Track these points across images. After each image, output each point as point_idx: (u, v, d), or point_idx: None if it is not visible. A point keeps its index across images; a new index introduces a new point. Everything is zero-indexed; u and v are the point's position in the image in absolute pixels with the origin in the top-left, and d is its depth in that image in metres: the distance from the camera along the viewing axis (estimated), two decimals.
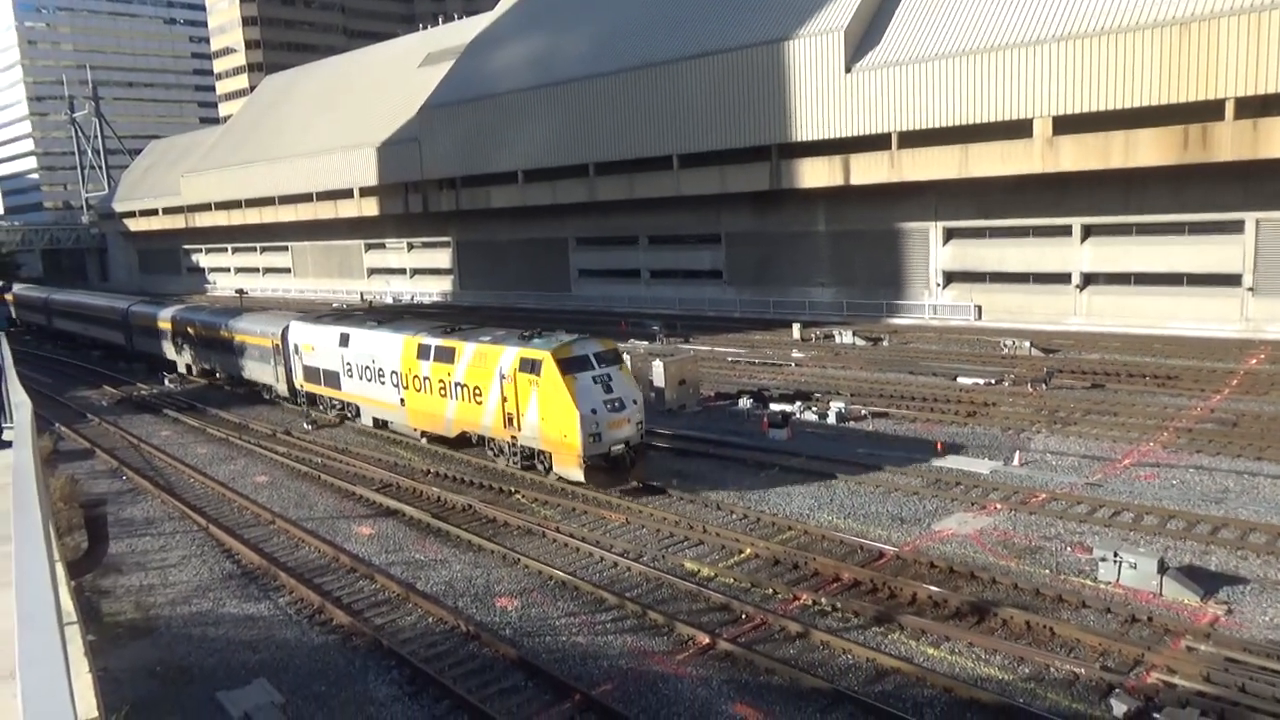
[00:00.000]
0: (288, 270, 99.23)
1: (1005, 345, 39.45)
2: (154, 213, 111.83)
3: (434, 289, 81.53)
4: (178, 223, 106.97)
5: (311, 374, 32.10)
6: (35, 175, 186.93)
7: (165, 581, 17.83)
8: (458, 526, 20.19)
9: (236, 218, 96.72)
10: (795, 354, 41.04)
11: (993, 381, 32.49)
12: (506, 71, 69.54)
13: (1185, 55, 37.96)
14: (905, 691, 12.48)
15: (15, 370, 17.61)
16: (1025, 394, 30.33)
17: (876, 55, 48.16)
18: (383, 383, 27.99)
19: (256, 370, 36.61)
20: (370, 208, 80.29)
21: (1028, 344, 38.73)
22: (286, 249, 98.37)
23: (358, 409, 30.21)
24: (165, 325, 45.20)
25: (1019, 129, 43.08)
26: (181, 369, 44.49)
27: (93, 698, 5.34)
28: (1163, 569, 14.95)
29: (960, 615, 14.59)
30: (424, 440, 27.58)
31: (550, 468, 22.41)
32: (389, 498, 22.74)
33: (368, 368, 28.57)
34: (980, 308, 48.70)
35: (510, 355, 22.58)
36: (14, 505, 6.49)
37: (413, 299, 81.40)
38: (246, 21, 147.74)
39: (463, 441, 26.30)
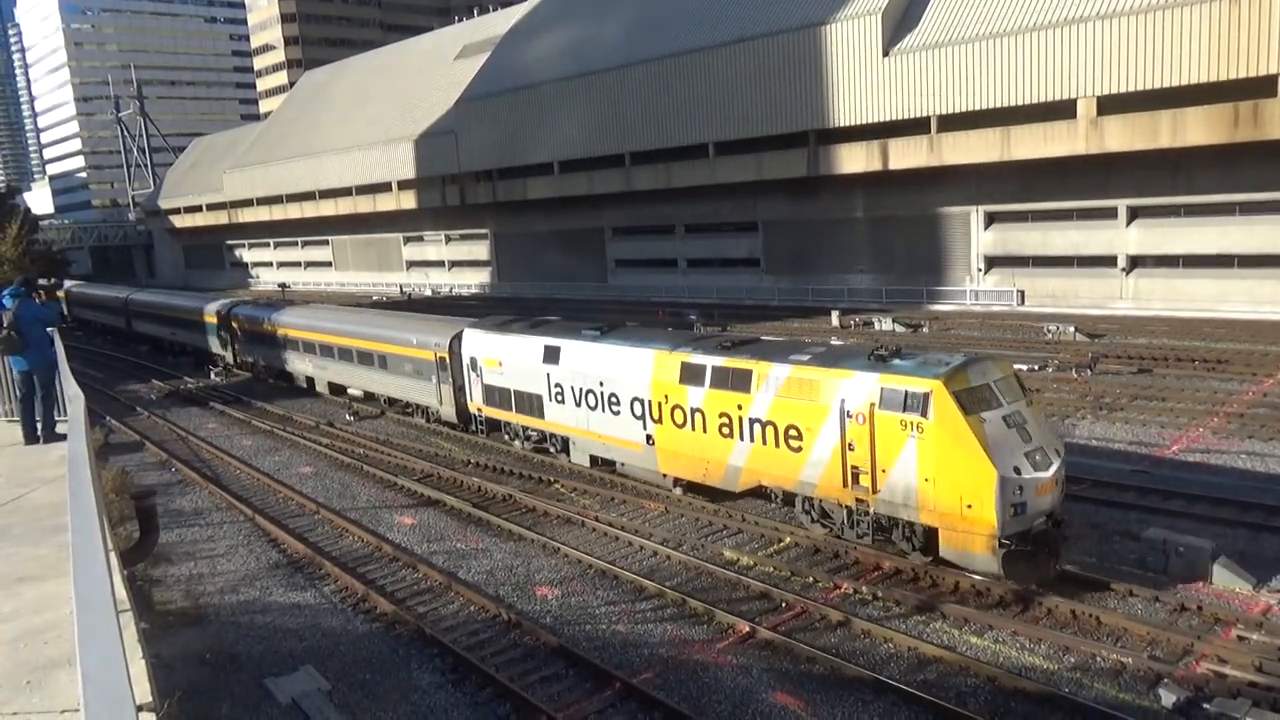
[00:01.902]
0: (328, 264, 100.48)
1: (1049, 330, 38.81)
2: (198, 209, 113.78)
3: (472, 281, 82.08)
4: (221, 219, 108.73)
5: (496, 395, 25.51)
6: (83, 174, 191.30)
7: (214, 571, 18.19)
8: (498, 516, 20.35)
9: (278, 213, 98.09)
10: (834, 342, 40.69)
11: (1036, 368, 31.99)
12: (542, 62, 69.62)
13: (1234, 30, 36.93)
14: (948, 680, 12.37)
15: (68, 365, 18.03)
16: (1070, 380, 29.83)
17: (915, 38, 47.48)
18: (615, 412, 21.18)
19: (408, 388, 30.22)
20: (408, 201, 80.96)
21: (1072, 329, 38.06)
22: (327, 243, 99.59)
23: (566, 442, 23.53)
24: (282, 331, 38.08)
25: (1062, 110, 42.24)
26: (308, 385, 37.70)
27: (146, 683, 5.46)
28: (1214, 556, 14.65)
29: (1004, 604, 14.42)
30: (677, 490, 20.59)
31: (924, 546, 15.49)
32: (430, 488, 22.98)
33: (590, 392, 21.81)
34: (1023, 292, 47.94)
35: (863, 383, 15.62)
36: (70, 495, 6.66)
37: (451, 291, 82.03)
38: (285, 18, 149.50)
39: (719, 494, 19.78)
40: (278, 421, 32.96)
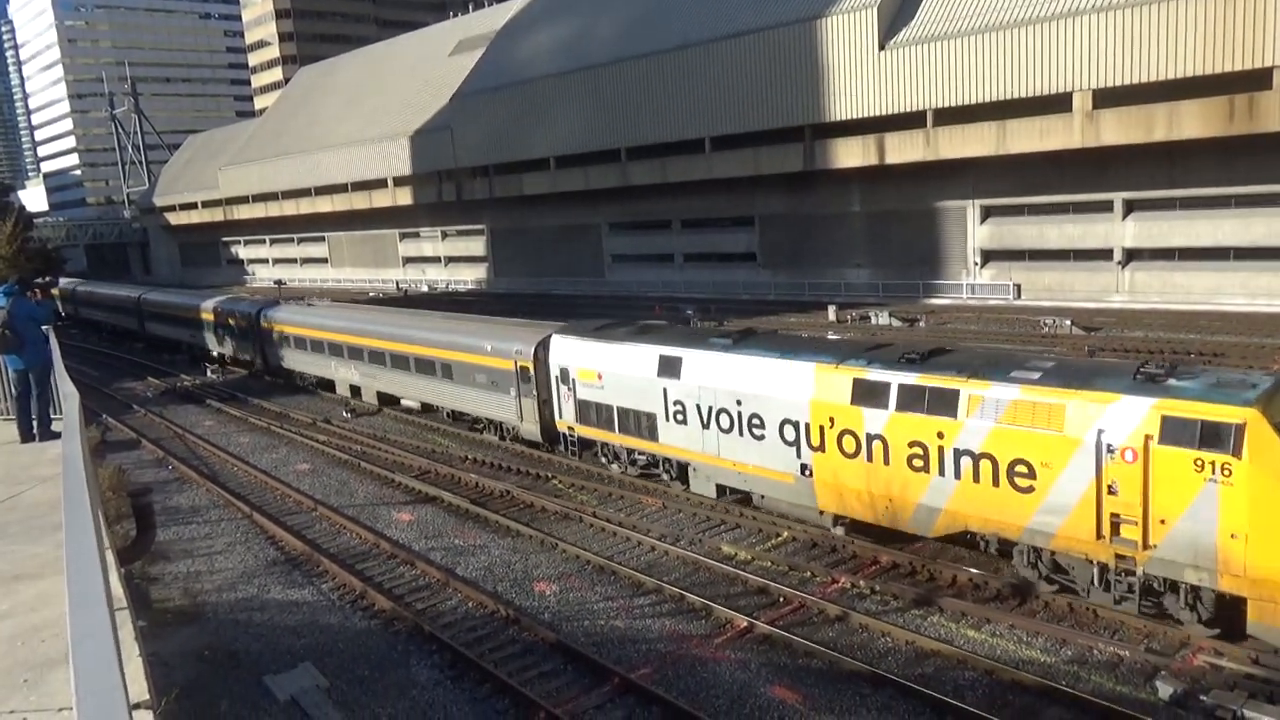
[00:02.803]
0: (324, 260, 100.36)
1: (1045, 324, 38.85)
2: (193, 206, 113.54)
3: (468, 277, 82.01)
4: (216, 215, 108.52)
5: (592, 412, 22.06)
6: (78, 171, 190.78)
7: (211, 568, 18.17)
8: (496, 512, 20.34)
9: (274, 209, 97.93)
10: (831, 336, 40.74)
11: None
12: (537, 57, 69.51)
13: (1229, 23, 36.94)
14: (946, 674, 12.40)
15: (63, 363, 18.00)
16: None
17: (910, 31, 47.44)
18: (757, 436, 17.79)
19: (479, 402, 26.55)
20: (404, 197, 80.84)
21: (1068, 322, 38.11)
22: (323, 239, 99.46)
23: (684, 468, 20.16)
24: (322, 335, 34.72)
25: (1058, 103, 42.24)
26: (353, 395, 34.17)
27: (144, 680, 5.46)
28: None
29: (1001, 598, 14.45)
30: (837, 530, 17.14)
31: (1217, 617, 12.48)
32: (428, 484, 22.96)
33: (723, 411, 18.43)
34: (1019, 286, 47.99)
35: (1131, 410, 12.60)
36: (64, 493, 6.65)
37: (448, 287, 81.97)
38: (280, 14, 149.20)
39: (888, 534, 16.45)
40: (275, 419, 32.92)
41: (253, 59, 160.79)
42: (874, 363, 16.03)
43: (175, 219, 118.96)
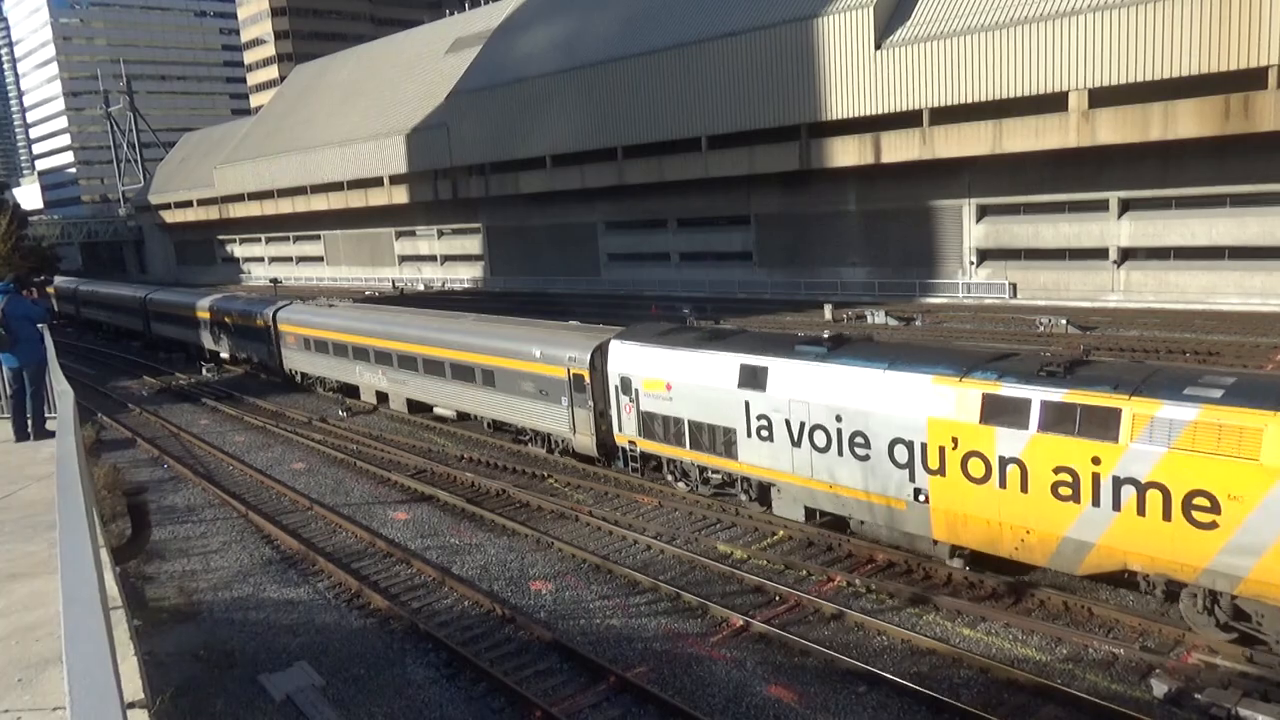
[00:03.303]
0: (320, 259, 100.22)
1: (1041, 323, 38.94)
2: (189, 204, 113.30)
3: (464, 275, 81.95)
4: (212, 214, 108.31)
5: (659, 426, 20.10)
6: (73, 169, 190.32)
7: (207, 567, 18.15)
8: (492, 511, 20.34)
9: (269, 208, 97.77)
10: (825, 334, 40.73)
11: None
12: (534, 56, 69.46)
13: (1225, 23, 37.00)
14: (941, 672, 12.42)
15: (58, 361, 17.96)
16: None
17: (906, 31, 47.48)
18: (860, 455, 15.91)
19: (525, 411, 24.48)
20: (400, 195, 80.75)
21: (1064, 321, 38.19)
22: (319, 238, 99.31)
23: (767, 489, 18.32)
24: (346, 337, 32.59)
25: (1053, 103, 42.30)
26: (379, 401, 32.27)
27: (139, 680, 5.45)
28: None
29: (996, 596, 14.48)
30: (955, 563, 15.34)
31: None
32: (423, 483, 22.95)
33: (819, 428, 16.55)
34: (1015, 285, 48.06)
35: None
36: (59, 492, 6.63)
37: (444, 285, 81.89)
38: (275, 12, 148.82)
39: (1008, 566, 14.98)
40: (270, 417, 32.87)
41: (248, 57, 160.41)
42: (1007, 376, 14.07)
43: (170, 217, 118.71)
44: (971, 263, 49.80)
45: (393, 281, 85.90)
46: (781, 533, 17.80)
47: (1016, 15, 43.17)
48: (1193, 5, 37.63)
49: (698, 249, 63.37)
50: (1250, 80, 36.92)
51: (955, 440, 14.48)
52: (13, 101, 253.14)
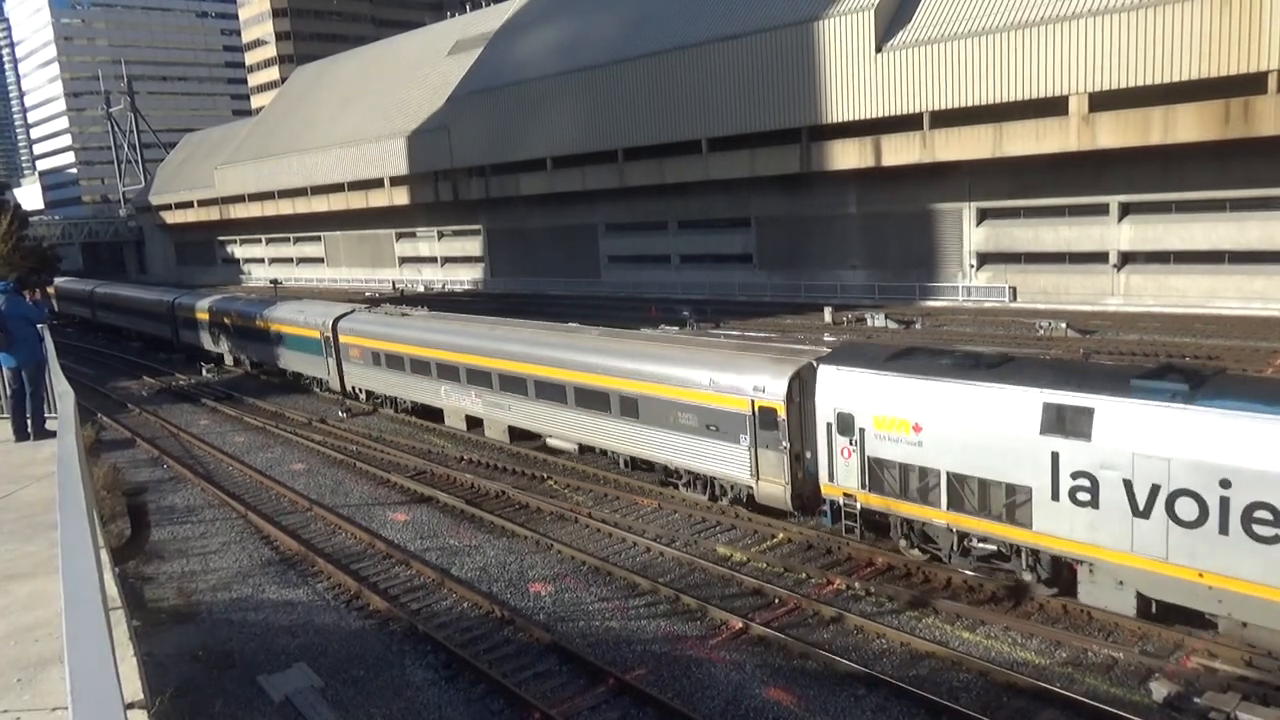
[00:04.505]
0: (321, 260, 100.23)
1: (1041, 327, 38.94)
2: (189, 205, 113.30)
3: (465, 277, 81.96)
4: (212, 215, 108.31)
5: (894, 476, 15.71)
6: (74, 170, 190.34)
7: (206, 568, 18.14)
8: (491, 513, 20.33)
9: (270, 209, 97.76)
10: (827, 338, 40.76)
11: None
12: (534, 58, 69.49)
13: (1226, 28, 37.03)
14: (940, 675, 12.42)
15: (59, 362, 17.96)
16: None
17: (907, 34, 47.51)
18: (1266, 539, 11.57)
19: (687, 451, 19.82)
20: (401, 197, 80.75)
21: (1064, 325, 38.20)
22: (319, 239, 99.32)
23: (1069, 566, 14.02)
24: (429, 352, 28.41)
25: (1054, 106, 42.32)
26: (467, 427, 27.83)
27: (138, 680, 5.45)
28: None
29: (995, 599, 14.47)
30: None
31: None
32: (423, 484, 22.95)
33: (1187, 494, 12.25)
34: (1015, 289, 48.06)
35: None
36: (59, 492, 6.63)
37: (444, 287, 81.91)
38: (276, 13, 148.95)
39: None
40: (270, 418, 32.87)
41: (249, 58, 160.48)
42: None
43: (171, 218, 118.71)
44: (971, 266, 49.80)
45: (393, 283, 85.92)
46: (781, 535, 17.79)
47: (1017, 19, 43.19)
48: (1193, 10, 37.66)
49: (698, 251, 63.36)
50: (1250, 85, 36.94)
51: None
52: (14, 102, 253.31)
